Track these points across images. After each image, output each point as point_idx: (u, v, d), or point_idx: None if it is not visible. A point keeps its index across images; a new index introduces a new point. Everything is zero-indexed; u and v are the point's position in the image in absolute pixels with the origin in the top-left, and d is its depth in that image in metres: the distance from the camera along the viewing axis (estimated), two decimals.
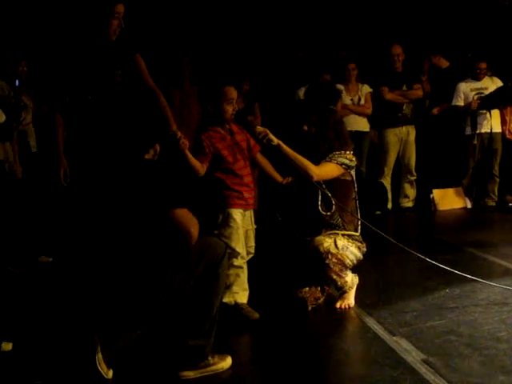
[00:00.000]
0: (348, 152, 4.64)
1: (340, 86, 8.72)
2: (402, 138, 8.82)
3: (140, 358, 3.76)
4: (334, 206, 4.59)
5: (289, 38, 9.67)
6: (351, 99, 8.75)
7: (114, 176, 3.58)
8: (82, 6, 4.65)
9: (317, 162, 4.55)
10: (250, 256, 4.65)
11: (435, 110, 8.99)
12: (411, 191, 8.96)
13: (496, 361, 3.48)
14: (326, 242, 4.45)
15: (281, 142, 4.40)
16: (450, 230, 7.67)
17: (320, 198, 4.61)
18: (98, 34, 4.50)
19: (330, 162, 4.58)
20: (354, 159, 4.65)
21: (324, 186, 4.59)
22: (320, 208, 4.60)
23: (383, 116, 8.81)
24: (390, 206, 8.90)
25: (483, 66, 8.64)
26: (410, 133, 8.84)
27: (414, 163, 8.89)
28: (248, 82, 8.41)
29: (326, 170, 4.55)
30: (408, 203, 8.93)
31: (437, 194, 8.71)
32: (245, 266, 4.50)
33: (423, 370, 3.42)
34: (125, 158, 3.51)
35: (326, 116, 4.69)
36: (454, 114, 8.80)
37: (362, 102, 8.75)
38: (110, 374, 3.42)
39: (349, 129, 8.25)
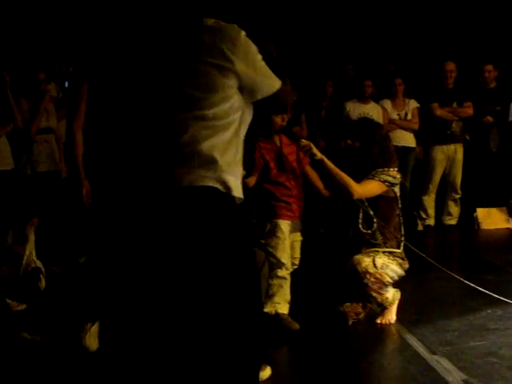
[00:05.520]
0: (392, 169, 4.60)
1: (387, 101, 8.76)
2: (450, 156, 8.76)
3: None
4: (375, 225, 4.58)
5: (339, 50, 9.68)
6: (398, 114, 8.73)
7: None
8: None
9: (360, 178, 4.53)
10: (295, 267, 4.68)
11: (490, 118, 8.82)
12: (455, 209, 8.90)
13: None
14: (364, 262, 4.44)
15: (324, 157, 4.39)
16: (493, 249, 7.58)
17: (361, 216, 4.59)
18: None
19: (373, 179, 4.55)
20: (398, 176, 4.62)
21: (366, 204, 4.58)
22: (361, 226, 4.59)
23: (431, 132, 8.76)
24: (432, 222, 8.86)
25: None
26: (457, 151, 8.76)
27: (460, 181, 8.84)
28: (296, 93, 8.42)
29: (368, 189, 4.54)
30: (451, 221, 8.87)
31: (480, 212, 8.63)
32: (288, 277, 4.53)
33: None
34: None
35: (371, 131, 4.67)
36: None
37: (409, 117, 8.72)
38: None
39: (395, 144, 8.32)
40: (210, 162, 2.97)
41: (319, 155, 4.40)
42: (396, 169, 4.63)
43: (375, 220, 4.56)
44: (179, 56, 3.07)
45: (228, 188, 2.95)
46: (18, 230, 5.71)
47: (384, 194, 4.59)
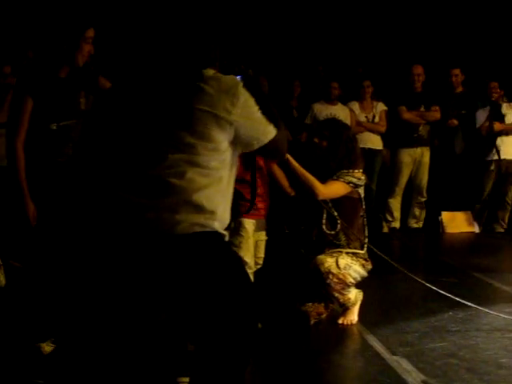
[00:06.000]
0: (357, 170, 4.58)
1: (354, 103, 8.80)
2: (416, 159, 8.81)
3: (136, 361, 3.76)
4: (338, 226, 4.57)
5: (308, 51, 9.69)
6: (366, 116, 8.78)
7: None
8: (52, 28, 4.39)
9: (325, 178, 4.50)
10: (258, 267, 4.66)
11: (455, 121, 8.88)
12: (420, 212, 8.96)
13: None
14: (327, 262, 4.42)
15: (289, 156, 4.37)
16: (457, 253, 7.67)
17: (325, 217, 4.58)
18: (66, 59, 4.27)
19: (337, 180, 4.52)
20: (362, 178, 4.60)
21: (330, 205, 4.56)
22: (324, 227, 4.59)
23: (398, 136, 8.82)
24: (398, 225, 8.90)
25: None
26: (424, 154, 8.82)
27: (426, 185, 8.89)
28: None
29: (332, 189, 4.51)
30: (416, 224, 8.94)
31: (445, 216, 8.71)
32: (251, 277, 4.51)
33: None
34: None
35: (338, 131, 4.67)
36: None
37: (377, 119, 8.79)
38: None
39: (362, 146, 8.35)
40: (204, 211, 3.01)
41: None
42: (361, 170, 4.61)
43: (339, 221, 4.56)
44: (178, 100, 3.09)
45: (218, 232, 3.00)
46: None
47: (348, 195, 4.57)
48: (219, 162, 3.10)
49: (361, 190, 4.66)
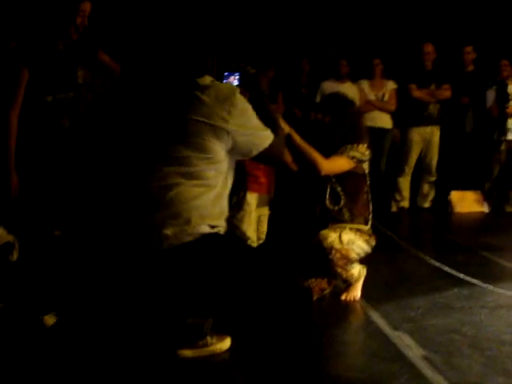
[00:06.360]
0: (361, 145, 4.51)
1: (364, 82, 8.73)
2: (426, 138, 8.75)
3: (137, 334, 3.74)
4: (342, 201, 4.52)
5: (317, 28, 9.60)
6: (375, 95, 8.72)
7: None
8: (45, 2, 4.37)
9: (328, 154, 4.43)
10: (260, 242, 4.64)
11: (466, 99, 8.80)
12: (430, 191, 8.90)
13: (497, 362, 3.44)
14: (330, 237, 4.37)
15: (292, 131, 4.29)
16: (465, 232, 7.61)
17: (328, 192, 4.53)
18: (60, 32, 4.25)
19: (341, 155, 4.46)
20: (367, 153, 4.52)
21: (334, 180, 4.51)
22: (327, 202, 4.54)
23: (408, 114, 8.74)
24: (407, 204, 8.85)
25: None
26: (434, 133, 8.75)
27: (436, 164, 8.83)
28: (274, 69, 8.34)
29: (336, 165, 4.45)
30: (425, 203, 8.88)
31: (455, 195, 8.63)
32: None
33: (422, 365, 3.39)
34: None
35: (342, 106, 4.60)
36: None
37: (386, 98, 8.71)
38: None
39: (371, 125, 8.37)
40: (194, 220, 3.10)
41: (287, 129, 4.31)
42: (365, 145, 4.54)
43: (342, 197, 4.51)
44: (173, 112, 3.11)
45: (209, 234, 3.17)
46: None
47: (352, 170, 4.51)
48: (215, 171, 3.13)
49: (365, 166, 4.60)
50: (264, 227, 4.64)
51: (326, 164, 4.37)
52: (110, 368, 3.37)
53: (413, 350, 3.60)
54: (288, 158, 4.51)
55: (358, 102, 8.54)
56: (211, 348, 3.53)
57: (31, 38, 4.39)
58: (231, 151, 3.22)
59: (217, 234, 3.22)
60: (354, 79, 8.79)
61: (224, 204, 3.31)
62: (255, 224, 4.49)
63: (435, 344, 3.70)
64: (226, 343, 3.59)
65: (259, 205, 4.54)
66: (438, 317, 4.18)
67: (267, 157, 3.37)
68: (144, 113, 3.27)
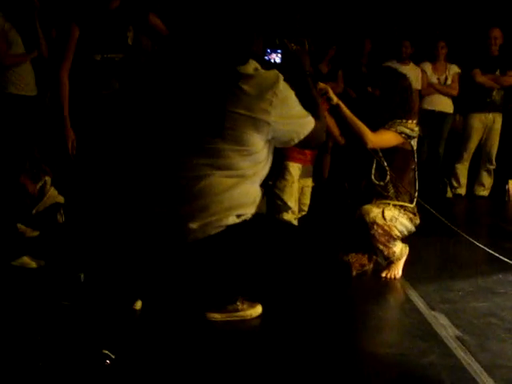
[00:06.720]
0: (410, 121, 4.43)
1: (427, 64, 8.58)
2: (487, 125, 8.54)
3: (168, 294, 3.74)
4: (388, 177, 4.44)
5: (380, 10, 9.46)
6: (438, 78, 8.56)
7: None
8: None
9: (377, 128, 4.37)
10: (303, 213, 4.60)
11: None
12: (488, 180, 8.71)
13: None
14: (373, 212, 4.31)
15: (340, 103, 4.22)
16: None
17: (374, 167, 4.46)
18: None
19: (389, 129, 4.39)
20: (416, 129, 4.44)
21: (381, 155, 4.44)
22: (373, 177, 4.47)
23: (470, 100, 8.55)
24: (464, 191, 8.69)
25: None
26: (496, 120, 8.53)
27: (496, 152, 8.62)
28: (335, 47, 8.26)
29: (383, 139, 4.37)
30: (483, 191, 8.69)
31: None
32: (295, 222, 4.45)
33: (454, 345, 3.31)
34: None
35: (393, 80, 4.51)
36: None
37: (449, 81, 8.55)
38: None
39: (432, 108, 8.26)
40: (224, 211, 3.08)
41: (335, 100, 4.25)
42: (415, 121, 4.46)
43: (388, 172, 4.43)
44: (212, 104, 3.05)
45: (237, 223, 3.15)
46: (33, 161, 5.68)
47: (400, 146, 4.44)
48: (251, 162, 3.07)
49: (413, 142, 4.51)
50: (307, 199, 4.60)
51: (374, 137, 4.30)
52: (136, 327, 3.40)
53: (447, 330, 3.53)
54: (336, 131, 4.47)
55: (419, 84, 8.43)
56: (241, 313, 3.52)
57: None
58: (271, 141, 3.17)
59: (244, 222, 3.17)
60: (417, 61, 8.63)
61: (258, 190, 3.26)
62: (297, 195, 4.45)
63: (470, 326, 3.63)
64: (257, 310, 3.58)
65: (302, 175, 4.48)
66: (477, 300, 4.09)
67: (308, 142, 3.30)
68: (183, 101, 3.22)
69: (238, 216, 3.13)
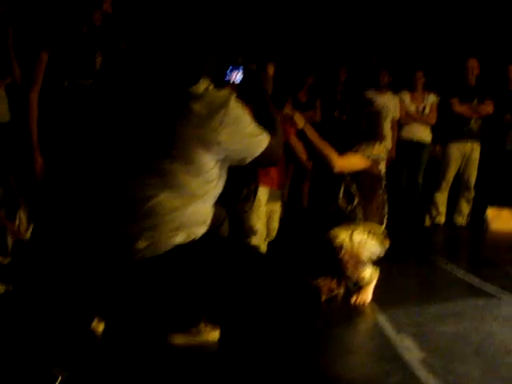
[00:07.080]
0: (377, 144, 4.43)
1: (406, 93, 8.63)
2: (466, 154, 8.58)
3: (130, 317, 3.69)
4: (355, 201, 4.43)
5: (357, 39, 9.55)
6: (416, 107, 8.60)
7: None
8: None
9: (344, 152, 4.36)
10: (270, 239, 4.56)
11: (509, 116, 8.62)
12: (466, 208, 8.72)
13: (498, 371, 3.29)
14: (341, 236, 4.26)
15: (307, 127, 4.23)
16: (495, 248, 7.38)
17: (342, 191, 4.45)
18: (83, 18, 4.32)
19: (356, 153, 4.40)
20: (382, 153, 4.45)
21: (349, 178, 4.43)
22: (341, 201, 4.45)
23: (448, 129, 8.59)
24: (443, 220, 8.69)
25: None
26: (474, 149, 8.58)
27: (474, 181, 8.65)
28: (313, 76, 8.30)
29: (350, 162, 4.37)
30: (462, 220, 8.70)
31: (491, 212, 8.42)
32: (262, 247, 4.42)
33: (418, 367, 3.27)
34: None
35: (360, 106, 4.52)
36: None
37: (427, 111, 8.59)
38: None
39: (410, 137, 8.33)
40: (172, 230, 3.03)
41: (301, 124, 4.25)
42: (382, 145, 4.46)
43: (356, 196, 4.42)
44: (161, 124, 3.04)
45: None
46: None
47: (368, 170, 4.43)
48: (201, 181, 3.05)
49: (381, 166, 4.50)
50: (275, 224, 4.56)
51: (340, 161, 4.29)
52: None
53: (412, 353, 3.48)
54: (303, 155, 4.47)
55: (398, 113, 8.48)
56: (204, 336, 3.46)
57: (54, 21, 4.43)
58: (225, 159, 3.14)
59: (192, 241, 3.13)
60: (396, 90, 8.68)
61: (210, 209, 3.22)
62: (265, 219, 4.41)
63: (436, 348, 3.58)
64: (216, 334, 3.51)
65: (269, 200, 4.45)
66: (446, 324, 4.05)
67: (263, 159, 3.27)
68: (134, 121, 3.19)
69: (187, 235, 3.09)
